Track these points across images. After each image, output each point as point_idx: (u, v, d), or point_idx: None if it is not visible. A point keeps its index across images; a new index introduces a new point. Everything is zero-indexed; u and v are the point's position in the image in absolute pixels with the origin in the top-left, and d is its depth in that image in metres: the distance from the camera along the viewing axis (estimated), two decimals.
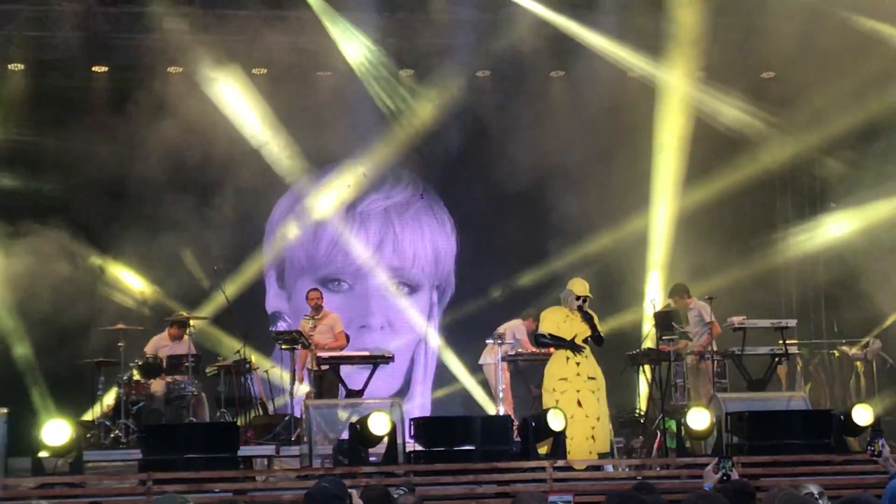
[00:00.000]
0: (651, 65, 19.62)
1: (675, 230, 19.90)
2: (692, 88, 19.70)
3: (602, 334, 13.95)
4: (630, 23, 19.13)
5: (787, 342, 16.47)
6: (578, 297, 13.82)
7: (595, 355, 13.93)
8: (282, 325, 19.85)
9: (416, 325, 20.62)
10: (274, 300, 20.56)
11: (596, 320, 13.90)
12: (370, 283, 20.64)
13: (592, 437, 13.43)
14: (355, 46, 19.52)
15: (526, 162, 19.14)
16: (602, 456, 13.57)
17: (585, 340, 13.78)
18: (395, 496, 7.82)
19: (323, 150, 19.79)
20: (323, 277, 20.49)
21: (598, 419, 13.50)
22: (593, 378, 13.64)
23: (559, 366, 13.70)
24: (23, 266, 17.97)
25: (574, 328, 13.73)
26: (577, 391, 13.52)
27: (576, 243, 19.73)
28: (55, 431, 12.57)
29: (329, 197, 20.42)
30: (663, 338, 16.24)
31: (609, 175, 19.14)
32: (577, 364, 13.61)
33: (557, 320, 13.81)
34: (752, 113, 19.81)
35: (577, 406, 13.44)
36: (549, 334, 13.81)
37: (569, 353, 13.64)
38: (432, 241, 21.03)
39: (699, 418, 13.56)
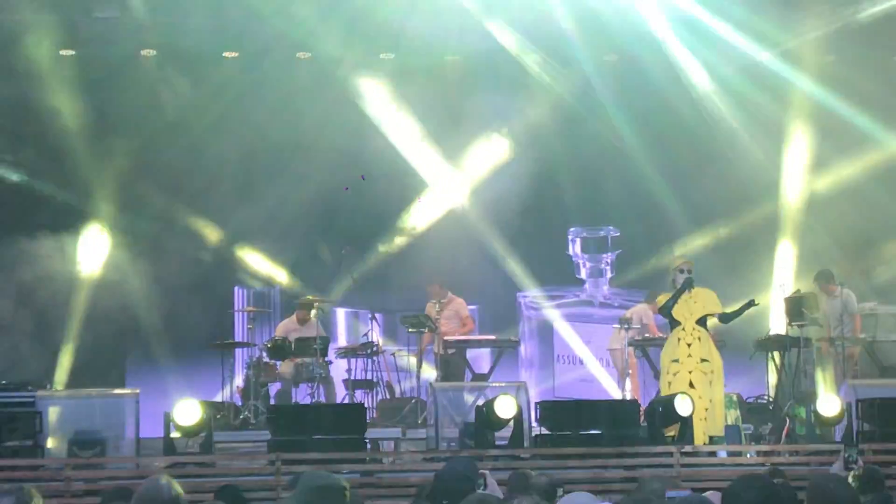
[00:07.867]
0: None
1: (806, 214, 19.57)
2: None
3: (729, 313, 13.84)
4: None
5: None
6: (678, 269, 13.79)
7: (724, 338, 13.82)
8: None
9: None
10: None
11: (714, 300, 13.77)
12: None
13: (705, 419, 13.33)
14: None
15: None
16: (716, 439, 13.47)
17: (702, 321, 13.66)
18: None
19: (457, 140, 19.72)
20: None
21: (710, 401, 13.39)
22: (706, 360, 13.54)
23: (671, 348, 13.72)
24: (157, 251, 18.27)
25: (688, 308, 13.65)
26: (690, 372, 13.48)
27: (703, 228, 19.53)
28: (186, 412, 12.77)
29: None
30: (793, 324, 16.06)
31: (737, 160, 18.92)
32: (689, 346, 13.55)
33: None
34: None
35: (689, 387, 13.38)
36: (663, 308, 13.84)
37: (680, 334, 13.62)
38: None
39: (829, 405, 13.42)
